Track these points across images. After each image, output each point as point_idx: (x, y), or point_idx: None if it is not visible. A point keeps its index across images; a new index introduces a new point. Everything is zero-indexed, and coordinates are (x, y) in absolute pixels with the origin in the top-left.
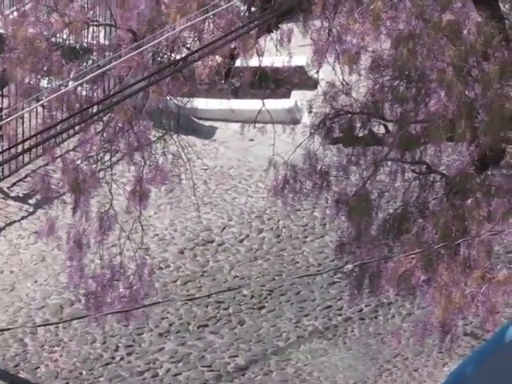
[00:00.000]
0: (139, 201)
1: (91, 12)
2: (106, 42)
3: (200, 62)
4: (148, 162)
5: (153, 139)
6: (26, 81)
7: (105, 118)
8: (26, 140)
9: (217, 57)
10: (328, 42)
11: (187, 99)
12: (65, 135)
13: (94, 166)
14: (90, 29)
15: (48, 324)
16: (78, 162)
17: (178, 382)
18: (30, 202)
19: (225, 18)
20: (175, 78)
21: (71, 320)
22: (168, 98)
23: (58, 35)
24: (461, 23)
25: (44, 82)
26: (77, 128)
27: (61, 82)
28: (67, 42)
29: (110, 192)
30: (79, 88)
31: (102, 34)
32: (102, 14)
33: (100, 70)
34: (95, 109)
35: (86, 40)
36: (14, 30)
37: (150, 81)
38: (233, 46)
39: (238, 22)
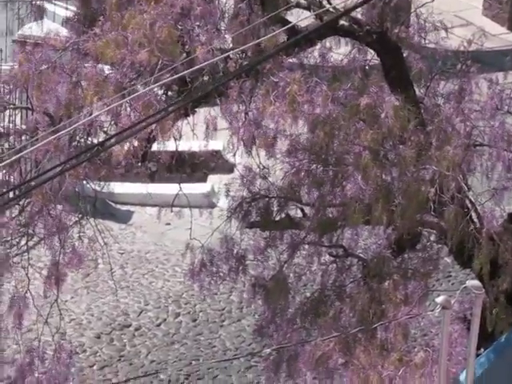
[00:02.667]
0: (56, 285)
1: (8, 96)
2: (23, 126)
3: (117, 146)
4: (65, 246)
5: (69, 223)
6: None
7: (21, 202)
8: None
9: (134, 140)
10: (245, 126)
11: (104, 183)
12: None
13: (9, 250)
14: (7, 112)
15: None
16: None
17: None
18: None
19: (142, 101)
20: (92, 162)
21: None
22: (84, 181)
23: None
24: (378, 107)
25: None
26: None
27: None
28: None
29: (27, 276)
30: None
31: (18, 118)
32: (18, 97)
33: (18, 155)
34: (12, 193)
35: (2, 123)
36: None
37: (67, 165)
38: (150, 130)
39: (156, 104)
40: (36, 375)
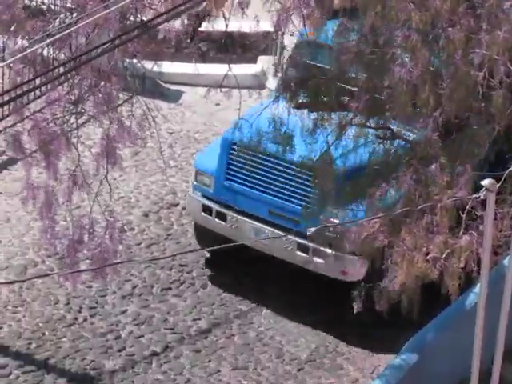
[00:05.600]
0: (106, 159)
1: None
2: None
3: (167, 24)
4: (115, 123)
5: (119, 102)
6: None
7: (72, 80)
8: None
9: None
10: (294, 6)
11: (154, 62)
12: (31, 97)
13: (62, 127)
14: None
15: (12, 282)
16: (46, 123)
17: (140, 344)
18: None
19: None
20: (142, 39)
21: (36, 278)
22: (134, 60)
23: None
24: None
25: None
26: (43, 89)
27: (28, 41)
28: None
29: (78, 152)
30: (46, 47)
31: None
32: None
33: (67, 31)
34: (62, 69)
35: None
36: None
37: (117, 41)
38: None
39: None
40: (85, 251)
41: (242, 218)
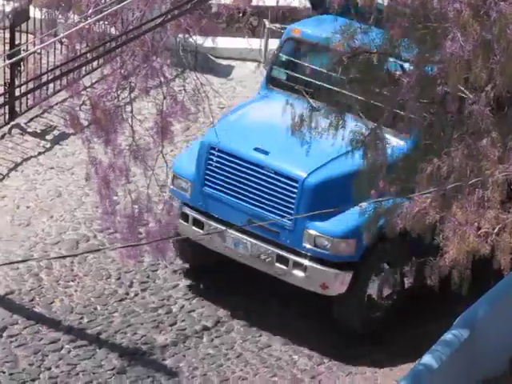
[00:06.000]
0: (161, 135)
1: None
2: None
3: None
4: (167, 98)
5: (171, 77)
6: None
7: (123, 55)
8: (43, 74)
9: None
10: None
11: (205, 37)
12: (83, 72)
13: (115, 101)
14: None
15: (64, 256)
16: (99, 98)
17: (191, 318)
18: (48, 137)
19: None
20: (193, 14)
21: (88, 252)
22: (186, 35)
23: None
24: None
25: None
26: (95, 65)
27: (79, 16)
28: None
29: (132, 128)
30: (98, 23)
31: None
32: None
33: (119, 5)
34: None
35: None
36: None
37: (169, 16)
38: None
39: None
40: (140, 229)
41: (220, 226)
